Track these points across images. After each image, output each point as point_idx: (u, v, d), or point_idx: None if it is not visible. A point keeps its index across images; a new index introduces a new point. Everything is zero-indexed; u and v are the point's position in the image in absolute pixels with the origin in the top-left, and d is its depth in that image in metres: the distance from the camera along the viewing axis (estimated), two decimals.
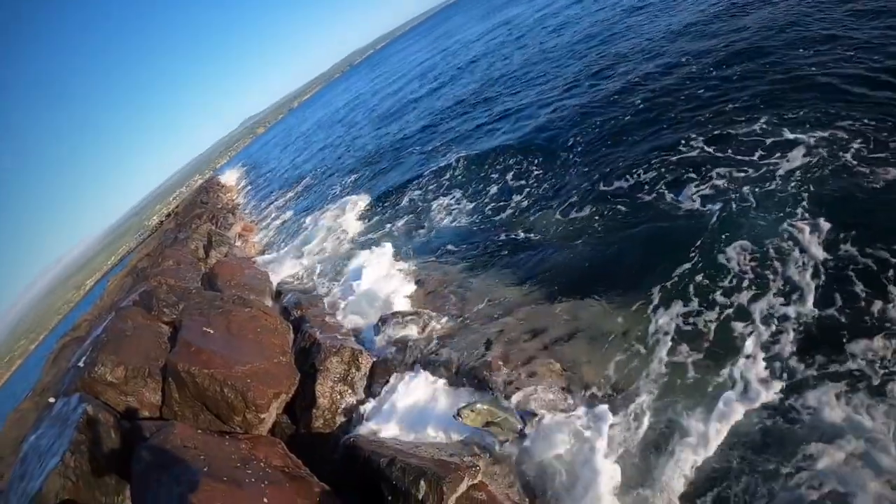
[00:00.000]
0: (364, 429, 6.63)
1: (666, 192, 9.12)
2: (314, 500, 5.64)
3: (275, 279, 12.55)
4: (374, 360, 7.59)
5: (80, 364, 8.68)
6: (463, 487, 5.20)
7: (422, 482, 5.12)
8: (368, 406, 7.05)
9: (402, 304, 9.05)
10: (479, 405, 5.78)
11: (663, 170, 9.70)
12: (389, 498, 5.28)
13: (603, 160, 11.46)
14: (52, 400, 8.56)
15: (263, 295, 11.36)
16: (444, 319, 7.94)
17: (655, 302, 7.02)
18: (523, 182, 12.57)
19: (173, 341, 8.82)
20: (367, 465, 5.64)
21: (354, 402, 7.31)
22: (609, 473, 5.22)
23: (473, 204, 12.98)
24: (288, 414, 7.84)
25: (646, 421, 5.67)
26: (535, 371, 6.56)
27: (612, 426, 5.64)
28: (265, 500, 5.35)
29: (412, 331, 7.74)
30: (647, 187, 9.56)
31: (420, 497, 5.07)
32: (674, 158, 9.84)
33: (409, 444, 5.93)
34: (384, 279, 10.17)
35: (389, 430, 6.52)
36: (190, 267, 14.55)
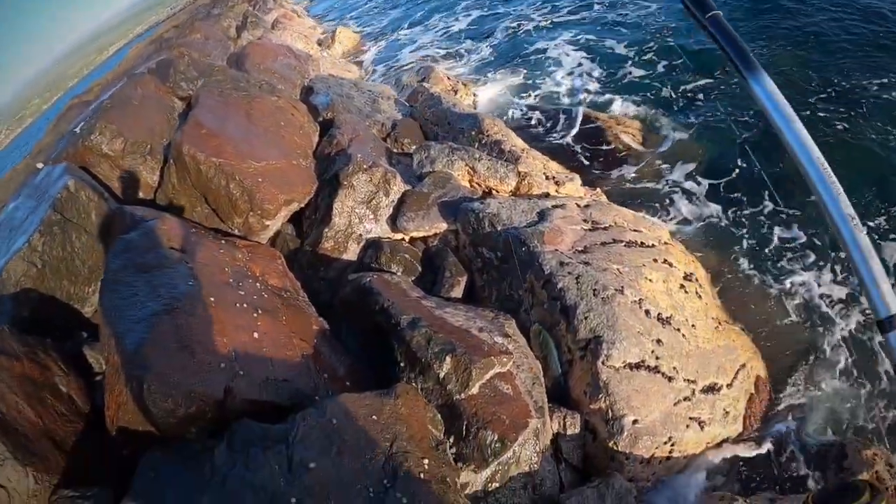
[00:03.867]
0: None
1: None
2: (310, 340, 4.36)
3: (310, 74, 10.58)
4: (408, 189, 6.02)
5: (77, 130, 7.13)
6: (490, 374, 3.90)
7: (447, 359, 3.80)
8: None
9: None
10: (548, 337, 4.68)
11: None
12: (402, 364, 3.99)
13: None
14: (39, 166, 7.09)
15: (294, 88, 9.49)
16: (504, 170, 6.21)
17: None
18: None
19: (184, 119, 7.17)
20: (381, 316, 4.30)
21: (373, 231, 5.85)
22: None
23: None
24: (294, 224, 6.43)
25: None
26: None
27: None
28: (255, 334, 4.04)
29: (459, 170, 6.08)
30: None
31: (441, 375, 3.78)
32: None
33: (435, 302, 4.55)
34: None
35: None
36: (218, 44, 12.44)
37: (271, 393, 3.68)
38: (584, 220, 5.51)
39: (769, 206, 7.54)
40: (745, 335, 5.73)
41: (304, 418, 3.25)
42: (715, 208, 7.72)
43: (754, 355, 5.57)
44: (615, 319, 4.52)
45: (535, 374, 4.33)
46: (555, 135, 8.63)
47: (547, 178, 6.27)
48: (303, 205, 6.38)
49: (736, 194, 7.79)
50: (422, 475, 3.08)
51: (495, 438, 3.60)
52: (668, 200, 8.03)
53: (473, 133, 7.05)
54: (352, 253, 5.82)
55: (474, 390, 3.76)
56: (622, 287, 4.76)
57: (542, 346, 4.70)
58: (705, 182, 7.99)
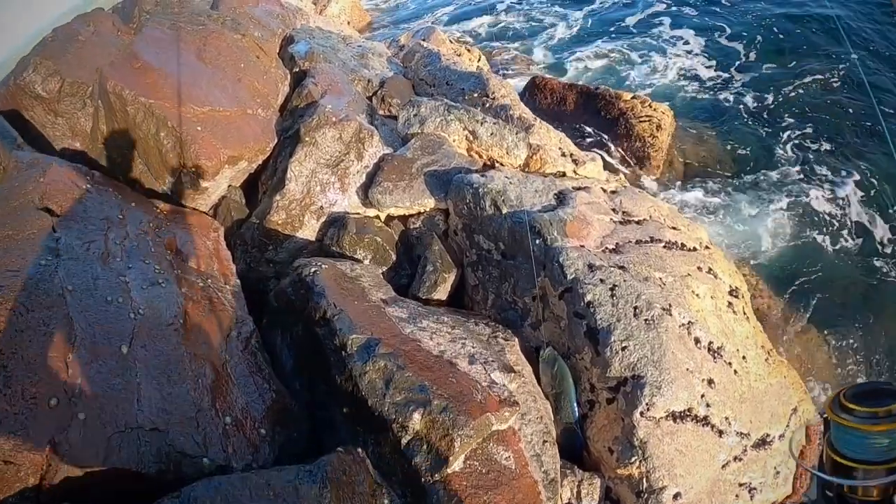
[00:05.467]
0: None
1: None
2: (217, 357, 2.76)
3: (296, 26, 8.77)
4: (388, 152, 4.37)
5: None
6: (482, 436, 2.32)
7: (415, 416, 2.20)
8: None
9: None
10: (564, 368, 3.12)
11: None
12: (345, 410, 2.40)
13: None
14: None
15: (273, 37, 7.70)
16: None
17: None
18: None
19: None
20: (324, 329, 2.69)
21: (339, 204, 4.22)
22: None
23: None
24: (247, 192, 4.80)
25: None
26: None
27: None
28: (123, 348, 2.42)
29: (455, 134, 4.40)
30: None
31: (405, 441, 2.18)
32: None
33: (407, 311, 2.93)
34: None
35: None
36: None
37: (128, 453, 2.07)
38: (614, 210, 3.92)
39: (802, 217, 6.13)
40: (793, 368, 4.26)
41: None
42: (739, 215, 6.29)
43: (805, 396, 4.10)
44: (663, 353, 2.95)
45: (545, 425, 2.77)
46: (565, 111, 7.02)
47: (563, 154, 4.66)
48: (254, 165, 4.72)
49: (764, 200, 6.36)
50: None
51: None
52: (686, 198, 6.59)
53: (475, 95, 5.39)
54: (309, 230, 4.19)
55: (456, 466, 2.18)
56: (669, 305, 3.19)
57: (554, 378, 3.14)
58: (731, 185, 6.54)
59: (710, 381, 3.21)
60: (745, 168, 6.65)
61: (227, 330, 3.09)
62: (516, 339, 3.19)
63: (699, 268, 3.86)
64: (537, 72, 8.44)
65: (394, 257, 3.89)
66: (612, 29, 9.71)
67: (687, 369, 3.12)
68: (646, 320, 3.01)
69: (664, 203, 4.57)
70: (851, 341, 5.32)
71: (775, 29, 8.70)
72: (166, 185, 4.53)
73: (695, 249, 4.05)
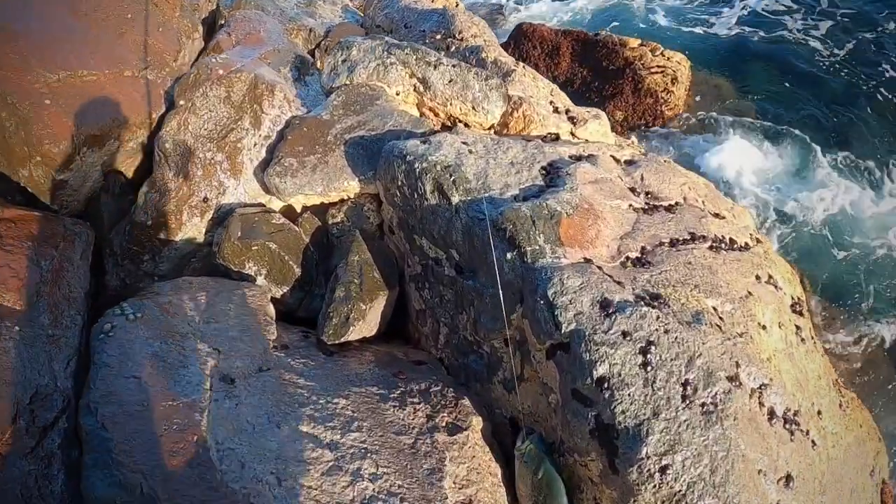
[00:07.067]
0: None
1: None
2: None
3: None
4: (298, 114, 2.87)
5: None
6: None
7: None
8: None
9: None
10: (554, 478, 1.61)
11: None
12: None
13: None
14: None
15: None
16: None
17: None
18: None
19: None
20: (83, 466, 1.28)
21: (231, 191, 2.75)
22: None
23: None
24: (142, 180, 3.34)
25: None
26: None
27: None
28: None
29: (399, 83, 2.83)
30: None
31: None
32: None
33: (267, 396, 1.50)
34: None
35: None
36: None
37: None
38: (633, 190, 2.42)
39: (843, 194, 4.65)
40: (865, 407, 2.88)
41: None
42: (770, 191, 4.82)
43: (880, 444, 2.78)
44: (731, 466, 1.51)
45: None
46: (559, 63, 5.42)
47: (556, 111, 3.16)
48: (137, 143, 3.19)
49: (804, 173, 4.84)
50: None
51: None
52: (706, 169, 5.09)
53: (438, 37, 3.84)
54: (193, 230, 2.75)
55: None
56: (737, 366, 1.73)
57: (538, 490, 1.73)
58: (763, 153, 4.99)
59: (788, 479, 1.78)
60: (780, 133, 5.08)
61: (8, 419, 1.70)
62: (474, 424, 1.75)
63: (758, 276, 2.41)
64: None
65: (297, 271, 2.43)
66: None
67: (759, 471, 1.68)
68: (703, 406, 1.55)
69: (698, 176, 3.06)
70: None
71: None
72: (22, 179, 3.13)
73: (747, 247, 2.58)
